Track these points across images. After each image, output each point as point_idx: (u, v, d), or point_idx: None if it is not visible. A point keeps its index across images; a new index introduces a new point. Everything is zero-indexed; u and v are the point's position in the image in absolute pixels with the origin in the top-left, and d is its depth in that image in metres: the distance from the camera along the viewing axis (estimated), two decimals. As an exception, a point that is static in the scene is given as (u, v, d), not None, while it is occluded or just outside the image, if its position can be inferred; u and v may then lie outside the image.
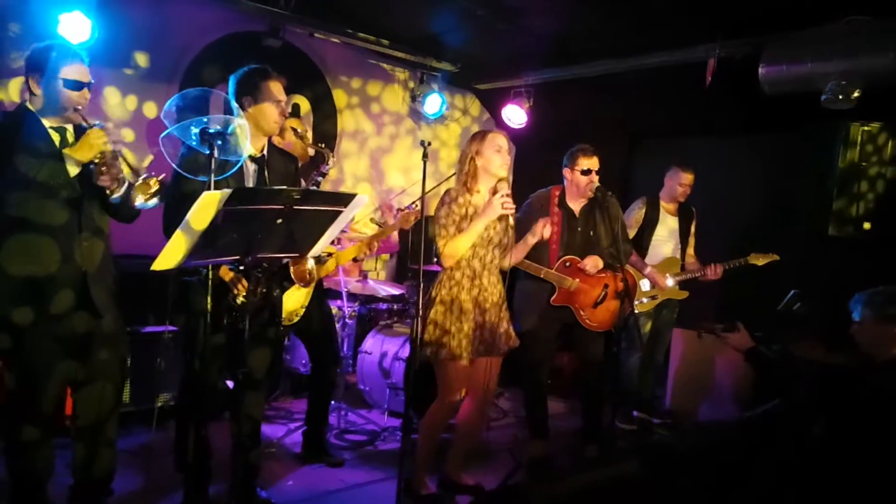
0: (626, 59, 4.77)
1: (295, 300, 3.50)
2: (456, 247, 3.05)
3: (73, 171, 2.49)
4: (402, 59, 5.52)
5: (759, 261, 4.40)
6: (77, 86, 2.50)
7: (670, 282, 4.50)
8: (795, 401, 2.54)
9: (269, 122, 2.80)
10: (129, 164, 2.55)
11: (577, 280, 3.76)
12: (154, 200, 2.45)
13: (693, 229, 4.71)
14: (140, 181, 2.43)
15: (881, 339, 2.51)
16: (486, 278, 3.17)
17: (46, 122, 2.51)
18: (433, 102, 5.73)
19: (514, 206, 3.07)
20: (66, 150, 2.48)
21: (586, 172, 3.72)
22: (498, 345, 3.21)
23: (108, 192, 2.50)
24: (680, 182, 4.55)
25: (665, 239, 4.58)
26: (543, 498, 2.02)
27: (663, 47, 4.55)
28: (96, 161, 2.44)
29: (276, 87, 2.81)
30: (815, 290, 4.07)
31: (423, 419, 3.27)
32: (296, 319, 3.57)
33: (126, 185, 2.50)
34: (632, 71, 4.81)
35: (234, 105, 2.66)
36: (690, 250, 4.72)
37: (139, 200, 2.43)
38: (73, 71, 2.50)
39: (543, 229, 3.28)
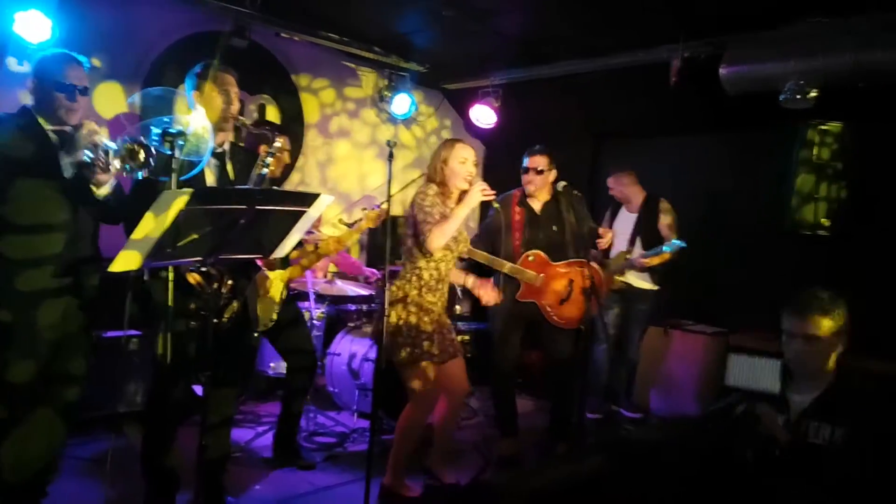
0: (592, 60, 4.83)
1: (268, 306, 3.45)
2: (443, 232, 3.04)
3: (68, 171, 2.48)
4: (370, 59, 5.49)
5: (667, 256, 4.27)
6: (68, 89, 2.52)
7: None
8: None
9: (212, 114, 2.74)
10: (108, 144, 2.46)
11: (542, 275, 3.80)
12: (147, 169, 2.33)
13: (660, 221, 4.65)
14: (126, 150, 2.32)
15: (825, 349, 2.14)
16: (445, 284, 3.25)
17: (46, 125, 2.54)
18: (401, 102, 5.72)
19: (493, 193, 3.13)
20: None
21: (525, 171, 3.88)
22: (456, 346, 3.28)
23: (96, 188, 2.48)
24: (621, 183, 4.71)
25: (620, 236, 4.61)
26: (513, 495, 2.03)
27: (629, 48, 4.61)
28: (88, 156, 2.42)
29: (220, 78, 2.76)
30: (775, 285, 4.16)
31: (400, 424, 3.24)
32: (270, 324, 3.52)
33: (113, 180, 2.50)
34: (598, 71, 4.87)
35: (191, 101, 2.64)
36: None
37: (128, 171, 2.33)
38: (68, 75, 2.53)
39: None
